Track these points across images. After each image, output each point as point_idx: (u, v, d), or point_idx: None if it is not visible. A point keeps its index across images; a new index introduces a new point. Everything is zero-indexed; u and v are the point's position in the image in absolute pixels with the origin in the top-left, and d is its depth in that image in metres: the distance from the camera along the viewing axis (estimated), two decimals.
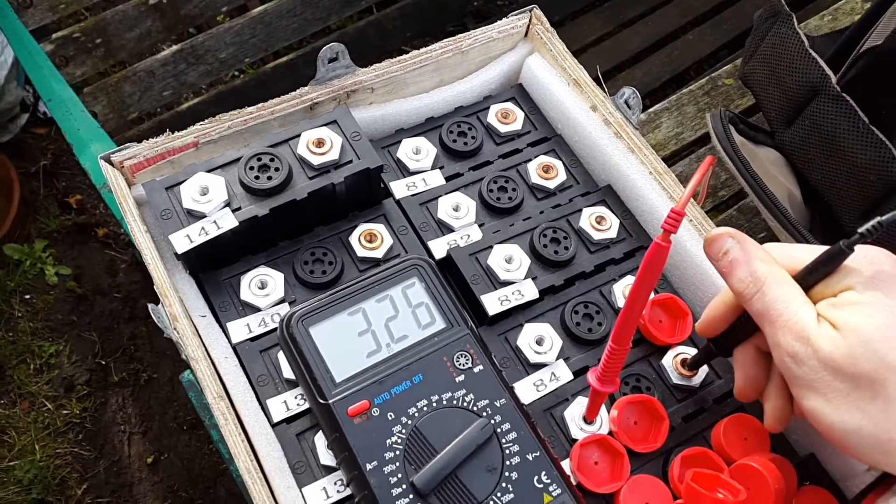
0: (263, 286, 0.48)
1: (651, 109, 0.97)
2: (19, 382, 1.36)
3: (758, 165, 0.73)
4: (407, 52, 0.56)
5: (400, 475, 0.40)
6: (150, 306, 0.44)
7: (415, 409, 0.42)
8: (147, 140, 0.49)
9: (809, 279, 0.36)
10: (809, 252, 0.37)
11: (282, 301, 0.48)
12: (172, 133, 0.50)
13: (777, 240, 0.79)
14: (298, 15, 1.25)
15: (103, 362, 1.43)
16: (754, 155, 0.75)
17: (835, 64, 0.76)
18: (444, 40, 0.56)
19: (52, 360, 1.40)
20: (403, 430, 0.41)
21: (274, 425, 0.44)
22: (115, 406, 1.40)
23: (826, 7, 1.11)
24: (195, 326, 0.45)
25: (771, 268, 0.37)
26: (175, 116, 1.23)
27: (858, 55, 0.74)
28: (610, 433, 0.45)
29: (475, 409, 0.42)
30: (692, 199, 0.51)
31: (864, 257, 0.35)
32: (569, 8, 1.54)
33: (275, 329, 0.47)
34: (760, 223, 0.87)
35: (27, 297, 1.46)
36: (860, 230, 0.33)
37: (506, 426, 0.42)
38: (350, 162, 0.49)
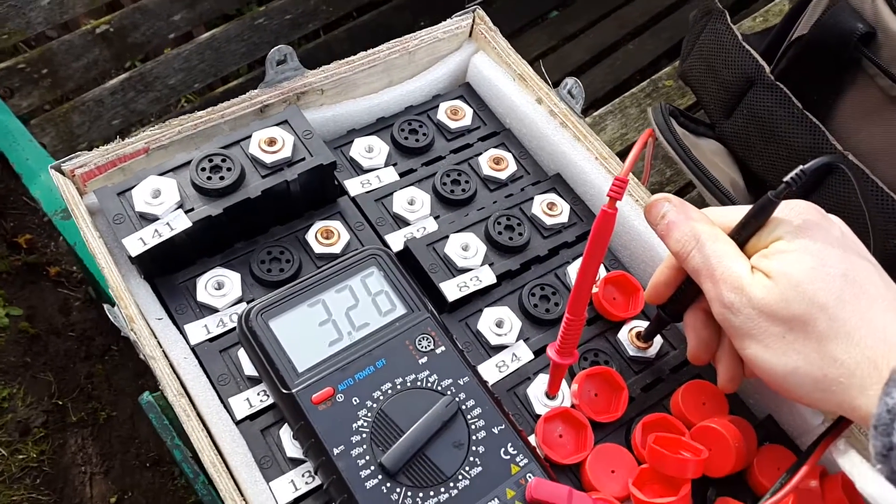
0: (220, 287, 0.48)
1: (596, 113, 1.00)
2: None
3: (700, 155, 0.76)
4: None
5: (368, 457, 0.40)
6: (106, 307, 0.43)
7: (379, 393, 0.42)
8: (98, 148, 0.49)
9: (743, 233, 0.38)
10: (743, 213, 0.39)
11: (239, 301, 0.48)
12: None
13: None
14: (246, 39, 1.26)
15: (60, 402, 1.39)
16: (696, 146, 0.78)
17: (767, 56, 0.79)
18: (391, 41, 0.58)
19: (4, 405, 1.35)
20: (369, 414, 0.41)
21: (238, 422, 0.44)
22: (74, 447, 1.36)
23: (757, 10, 1.16)
24: (151, 329, 0.45)
25: (705, 227, 0.38)
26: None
27: (788, 45, 0.77)
28: (572, 406, 0.46)
29: (439, 388, 0.42)
30: (636, 179, 0.53)
31: (792, 209, 0.37)
32: (514, 24, 1.57)
33: (233, 329, 0.47)
34: None
35: None
36: (785, 179, 0.35)
37: (470, 402, 0.42)
38: (303, 159, 0.50)
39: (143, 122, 1.32)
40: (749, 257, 0.38)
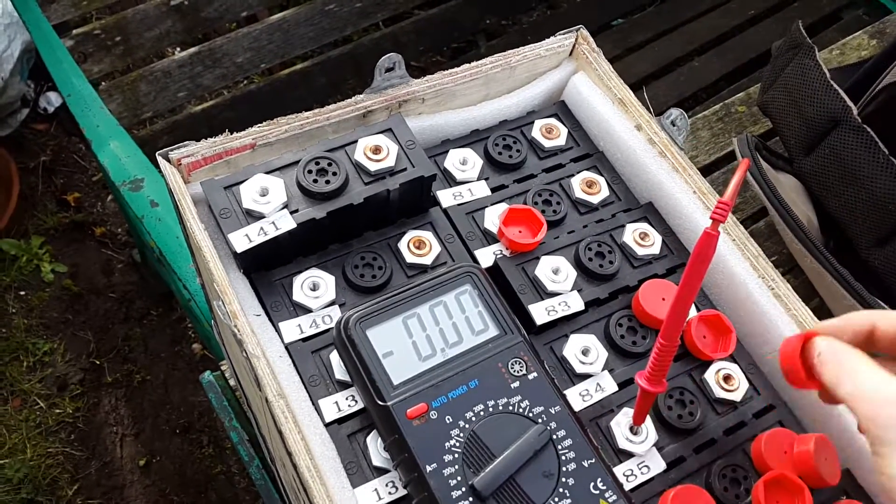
0: (315, 288, 0.49)
1: None
2: (11, 380, 1.34)
3: (781, 190, 0.75)
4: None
5: (459, 478, 0.40)
6: (215, 302, 0.44)
7: (471, 414, 0.42)
8: (205, 140, 0.50)
9: None
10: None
11: (332, 303, 0.49)
12: (231, 133, 0.50)
13: (794, 261, 0.81)
14: (316, 24, 1.26)
15: (97, 362, 1.41)
16: (776, 180, 0.77)
17: (852, 96, 0.78)
18: (494, 55, 0.58)
19: (45, 358, 1.38)
20: (461, 434, 0.42)
21: (326, 425, 0.45)
22: (107, 407, 1.38)
23: (834, 42, 1.14)
24: (251, 327, 0.46)
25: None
26: (188, 118, 1.23)
27: (879, 89, 0.76)
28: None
29: (531, 415, 0.43)
30: (734, 218, 0.53)
31: None
32: None
33: (326, 330, 0.48)
34: (772, 247, 0.89)
35: (22, 293, 1.44)
36: None
37: (561, 433, 0.42)
38: (405, 169, 0.50)
39: (209, 97, 1.33)
40: None
